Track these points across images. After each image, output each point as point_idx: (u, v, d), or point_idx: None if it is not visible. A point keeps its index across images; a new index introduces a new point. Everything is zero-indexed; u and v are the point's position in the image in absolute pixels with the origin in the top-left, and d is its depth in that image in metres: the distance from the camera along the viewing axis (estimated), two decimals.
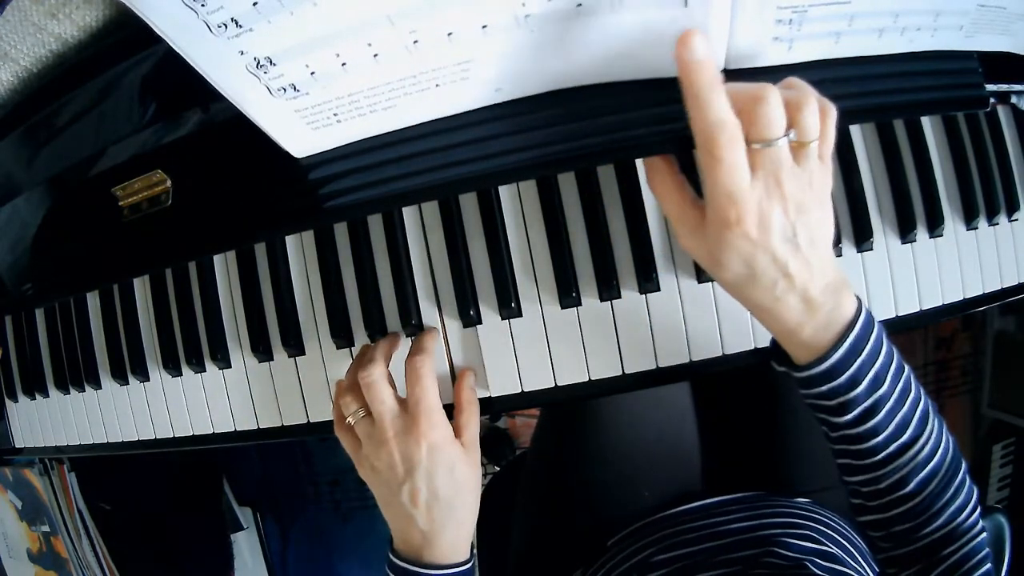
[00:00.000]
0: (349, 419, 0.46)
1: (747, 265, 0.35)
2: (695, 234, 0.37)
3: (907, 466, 0.39)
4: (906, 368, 0.39)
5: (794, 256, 0.35)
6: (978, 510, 0.41)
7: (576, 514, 0.63)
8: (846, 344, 0.36)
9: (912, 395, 0.39)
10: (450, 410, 0.47)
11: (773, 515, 0.55)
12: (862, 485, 0.41)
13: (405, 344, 0.50)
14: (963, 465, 0.41)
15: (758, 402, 0.67)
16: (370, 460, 0.45)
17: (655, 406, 0.63)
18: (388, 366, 0.46)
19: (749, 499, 0.59)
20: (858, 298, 0.38)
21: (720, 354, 0.47)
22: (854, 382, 0.37)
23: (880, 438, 0.38)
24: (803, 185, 0.34)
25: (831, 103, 0.36)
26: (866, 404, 0.37)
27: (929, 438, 0.39)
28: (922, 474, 0.39)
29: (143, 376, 0.56)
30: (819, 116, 0.35)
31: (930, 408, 0.40)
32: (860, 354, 0.37)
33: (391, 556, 0.46)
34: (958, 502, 0.40)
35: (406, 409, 0.44)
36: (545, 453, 0.68)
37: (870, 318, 0.38)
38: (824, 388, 0.38)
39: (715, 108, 0.33)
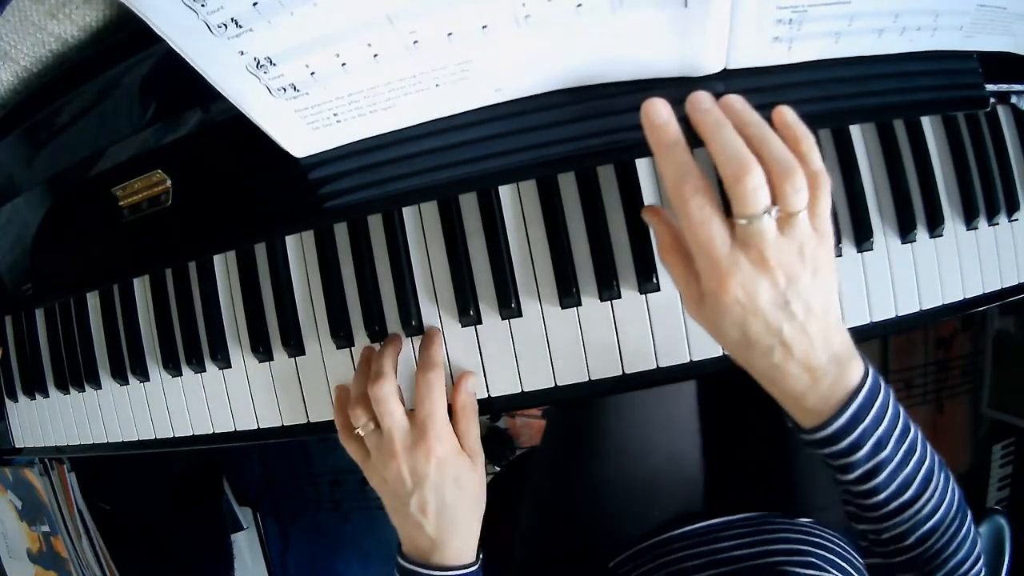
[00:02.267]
0: (359, 430, 0.46)
1: (741, 331, 0.36)
2: (698, 304, 0.38)
3: (908, 522, 0.39)
4: (912, 429, 0.39)
5: (789, 323, 0.35)
6: (980, 561, 0.41)
7: (579, 533, 0.63)
8: (847, 414, 0.37)
9: (916, 456, 0.39)
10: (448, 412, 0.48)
11: (775, 540, 0.55)
12: (867, 532, 0.42)
13: (406, 344, 0.50)
14: (968, 519, 0.41)
15: (763, 420, 0.67)
16: (379, 471, 0.46)
17: (661, 425, 0.62)
18: (396, 374, 0.47)
19: (751, 521, 0.59)
20: (866, 365, 0.38)
21: (720, 354, 0.47)
22: (854, 447, 0.37)
23: (881, 497, 0.39)
24: (792, 255, 0.34)
25: (823, 172, 0.35)
26: (867, 467, 0.38)
27: (931, 497, 0.39)
28: (922, 530, 0.39)
29: (143, 376, 0.56)
30: (808, 185, 0.34)
31: (936, 466, 0.40)
32: (862, 422, 0.37)
33: (400, 560, 0.47)
34: (960, 555, 0.40)
35: (414, 423, 0.45)
36: (548, 471, 0.68)
37: (876, 385, 0.38)
38: (825, 451, 0.38)
39: (675, 165, 0.35)
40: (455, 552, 0.46)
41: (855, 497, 0.40)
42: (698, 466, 0.64)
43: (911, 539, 0.40)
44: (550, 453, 0.68)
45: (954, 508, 0.40)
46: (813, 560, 0.51)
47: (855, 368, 0.37)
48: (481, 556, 0.49)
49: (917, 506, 0.39)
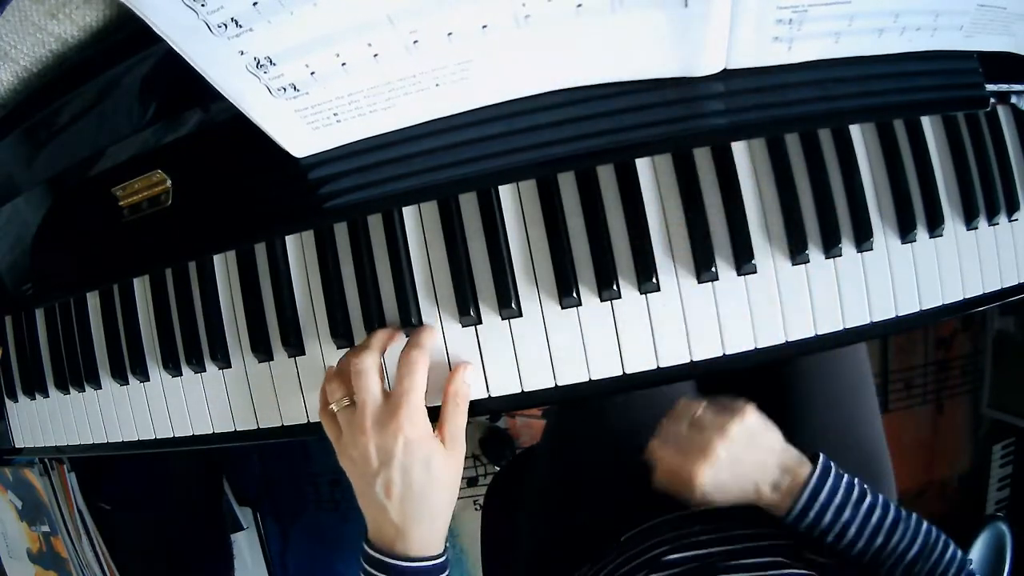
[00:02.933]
0: (332, 406, 0.46)
1: (730, 474, 0.49)
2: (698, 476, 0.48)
3: (889, 562, 0.47)
4: (868, 494, 0.48)
5: (746, 457, 0.49)
6: (967, 566, 0.47)
7: (588, 512, 0.63)
8: (805, 495, 0.48)
9: (878, 511, 0.47)
10: None
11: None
12: (861, 569, 0.49)
13: (401, 340, 0.50)
14: (943, 543, 0.48)
15: (767, 405, 0.67)
16: (347, 449, 0.45)
17: (665, 404, 0.63)
18: (382, 357, 0.46)
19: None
20: (814, 463, 0.48)
21: (721, 354, 0.47)
22: (819, 516, 0.48)
23: (857, 550, 0.47)
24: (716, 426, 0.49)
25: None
26: (837, 528, 0.47)
27: (903, 537, 0.47)
28: (904, 564, 0.47)
29: (143, 376, 0.56)
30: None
31: (901, 514, 0.48)
32: (818, 498, 0.48)
33: (365, 546, 0.46)
34: (951, 572, 0.47)
35: (389, 400, 0.44)
36: (556, 452, 0.68)
37: (826, 471, 0.48)
38: (802, 524, 0.48)
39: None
40: (419, 542, 0.44)
41: (838, 555, 0.49)
42: None
43: (898, 573, 0.47)
44: (553, 444, 0.68)
45: (932, 538, 0.47)
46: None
47: (805, 468, 0.48)
48: (447, 548, 0.47)
49: (890, 547, 0.47)
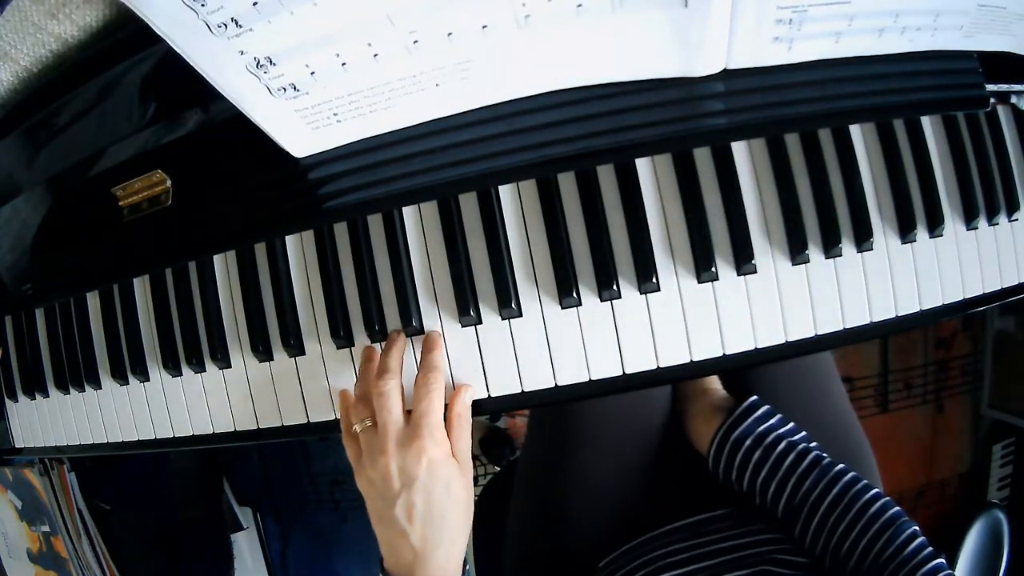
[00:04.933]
0: (356, 427, 0.46)
1: None
2: None
3: (803, 512, 0.51)
4: (783, 441, 0.55)
5: None
6: (926, 550, 0.46)
7: (566, 537, 0.62)
8: (721, 431, 0.57)
9: (792, 457, 0.53)
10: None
11: (763, 531, 0.55)
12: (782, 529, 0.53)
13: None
14: (865, 499, 0.49)
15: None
16: (367, 472, 0.44)
17: (640, 418, 0.62)
18: (401, 373, 0.46)
19: (739, 514, 0.59)
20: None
21: (721, 354, 0.47)
22: (732, 458, 0.56)
23: (771, 495, 0.53)
24: None
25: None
26: (748, 471, 0.55)
27: (816, 485, 0.51)
28: (817, 517, 0.50)
29: (143, 376, 0.56)
30: None
31: (822, 464, 0.53)
32: (732, 435, 0.56)
33: None
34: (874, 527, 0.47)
35: (409, 421, 0.44)
36: (532, 477, 0.67)
37: (746, 413, 0.56)
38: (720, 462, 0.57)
39: None
40: (439, 567, 0.43)
41: (759, 502, 0.54)
42: (675, 466, 0.64)
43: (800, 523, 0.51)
44: (529, 469, 0.68)
45: (851, 492, 0.49)
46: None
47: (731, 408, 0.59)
48: (467, 571, 0.48)
49: (802, 491, 0.51)
